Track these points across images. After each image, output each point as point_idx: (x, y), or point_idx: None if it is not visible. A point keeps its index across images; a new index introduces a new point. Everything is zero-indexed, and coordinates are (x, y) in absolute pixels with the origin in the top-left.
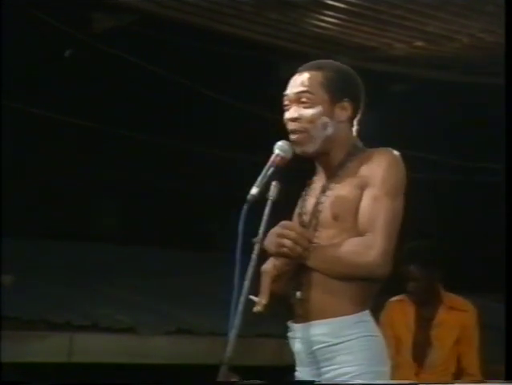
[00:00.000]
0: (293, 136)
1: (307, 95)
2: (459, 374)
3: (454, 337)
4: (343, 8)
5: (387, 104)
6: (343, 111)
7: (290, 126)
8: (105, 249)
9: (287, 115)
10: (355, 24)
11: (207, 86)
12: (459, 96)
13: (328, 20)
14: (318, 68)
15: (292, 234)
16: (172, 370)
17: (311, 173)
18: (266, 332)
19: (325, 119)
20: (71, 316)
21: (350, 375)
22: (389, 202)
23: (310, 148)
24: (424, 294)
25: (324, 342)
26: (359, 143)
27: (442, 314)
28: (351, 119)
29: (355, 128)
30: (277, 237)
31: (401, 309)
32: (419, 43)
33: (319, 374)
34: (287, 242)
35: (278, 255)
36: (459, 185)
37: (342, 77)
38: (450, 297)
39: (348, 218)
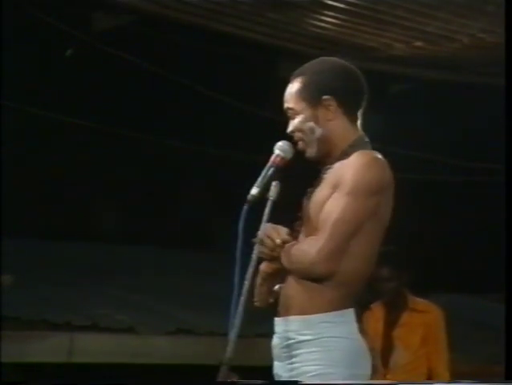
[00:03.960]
0: (298, 146)
1: (290, 111)
2: (430, 374)
3: (418, 337)
4: (343, 8)
5: (387, 104)
6: (328, 109)
7: (294, 137)
8: (105, 249)
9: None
10: (355, 24)
11: (207, 86)
12: (459, 96)
13: (328, 20)
14: (300, 74)
15: (261, 236)
16: (172, 370)
17: (311, 173)
18: (266, 332)
19: (310, 124)
20: (71, 316)
21: (309, 375)
22: (346, 202)
23: (310, 153)
24: (393, 296)
25: (291, 339)
26: (359, 143)
27: (405, 317)
28: (343, 114)
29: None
30: (258, 242)
31: (373, 316)
32: (419, 43)
33: (287, 371)
34: (265, 250)
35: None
36: (459, 185)
37: (318, 77)
38: (414, 300)
39: (318, 217)
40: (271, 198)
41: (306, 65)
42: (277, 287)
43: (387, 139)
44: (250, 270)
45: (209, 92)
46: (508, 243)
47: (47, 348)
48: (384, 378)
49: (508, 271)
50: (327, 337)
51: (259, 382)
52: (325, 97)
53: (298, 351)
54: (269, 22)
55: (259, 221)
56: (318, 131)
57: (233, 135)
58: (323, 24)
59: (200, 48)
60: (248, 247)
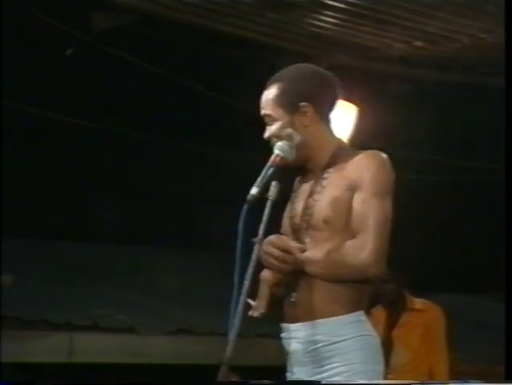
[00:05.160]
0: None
1: (267, 117)
2: (429, 373)
3: (417, 336)
4: (343, 8)
5: (387, 104)
6: (305, 115)
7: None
8: (105, 249)
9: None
10: (355, 24)
11: (207, 86)
12: (459, 96)
13: (328, 20)
14: (276, 81)
15: (276, 253)
16: (172, 370)
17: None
18: (266, 332)
19: (287, 130)
20: (71, 316)
21: (346, 374)
22: (378, 203)
23: (290, 158)
24: (393, 297)
25: (322, 342)
26: (344, 143)
27: (405, 317)
28: (320, 120)
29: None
30: (264, 254)
31: (373, 318)
32: (419, 43)
33: (317, 373)
34: (274, 262)
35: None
36: (459, 185)
37: (295, 84)
38: (413, 300)
39: (339, 220)
40: (271, 198)
41: (283, 71)
42: (294, 296)
43: (387, 139)
44: (250, 270)
45: (209, 92)
46: (508, 243)
47: (47, 348)
48: (386, 377)
49: (508, 271)
50: (360, 335)
51: (266, 382)
52: (302, 104)
53: (332, 353)
54: (269, 22)
55: (259, 221)
56: (297, 138)
57: (233, 135)
58: (323, 24)
59: (200, 48)
60: (248, 247)
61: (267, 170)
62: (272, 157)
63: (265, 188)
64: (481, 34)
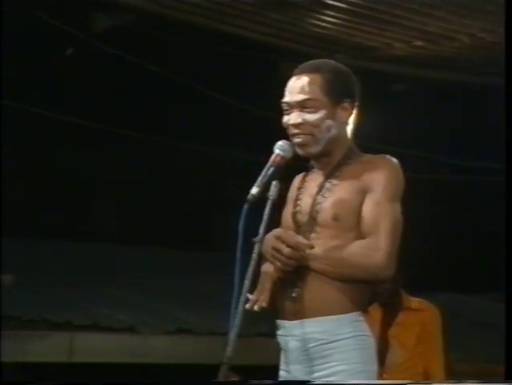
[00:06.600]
0: (297, 139)
1: (310, 102)
2: (425, 373)
3: (414, 335)
4: (343, 8)
5: (387, 104)
6: (345, 111)
7: (293, 130)
8: (105, 249)
9: (290, 120)
10: (355, 24)
11: (207, 85)
12: (459, 96)
13: (328, 20)
14: (315, 70)
15: (284, 250)
16: (172, 370)
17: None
18: (266, 332)
19: (329, 121)
20: (71, 316)
21: (345, 374)
22: (391, 207)
23: (315, 150)
24: (390, 296)
25: (320, 340)
26: (354, 146)
27: (401, 316)
28: (350, 119)
29: (349, 127)
30: (271, 248)
31: (370, 317)
32: (419, 43)
33: (313, 372)
34: (281, 258)
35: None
36: (459, 185)
37: (340, 78)
38: (409, 299)
39: (348, 219)
40: (271, 197)
41: (316, 62)
42: (295, 292)
43: (387, 138)
44: (250, 270)
45: (209, 92)
46: (508, 243)
47: (47, 347)
48: (381, 377)
49: (508, 271)
50: (360, 335)
51: (268, 382)
52: (346, 99)
53: (330, 351)
54: (269, 22)
55: (259, 221)
56: (333, 131)
57: (233, 135)
58: (323, 24)
59: (200, 48)
60: (248, 247)
61: (267, 169)
62: (272, 157)
63: (265, 188)
64: (481, 34)
